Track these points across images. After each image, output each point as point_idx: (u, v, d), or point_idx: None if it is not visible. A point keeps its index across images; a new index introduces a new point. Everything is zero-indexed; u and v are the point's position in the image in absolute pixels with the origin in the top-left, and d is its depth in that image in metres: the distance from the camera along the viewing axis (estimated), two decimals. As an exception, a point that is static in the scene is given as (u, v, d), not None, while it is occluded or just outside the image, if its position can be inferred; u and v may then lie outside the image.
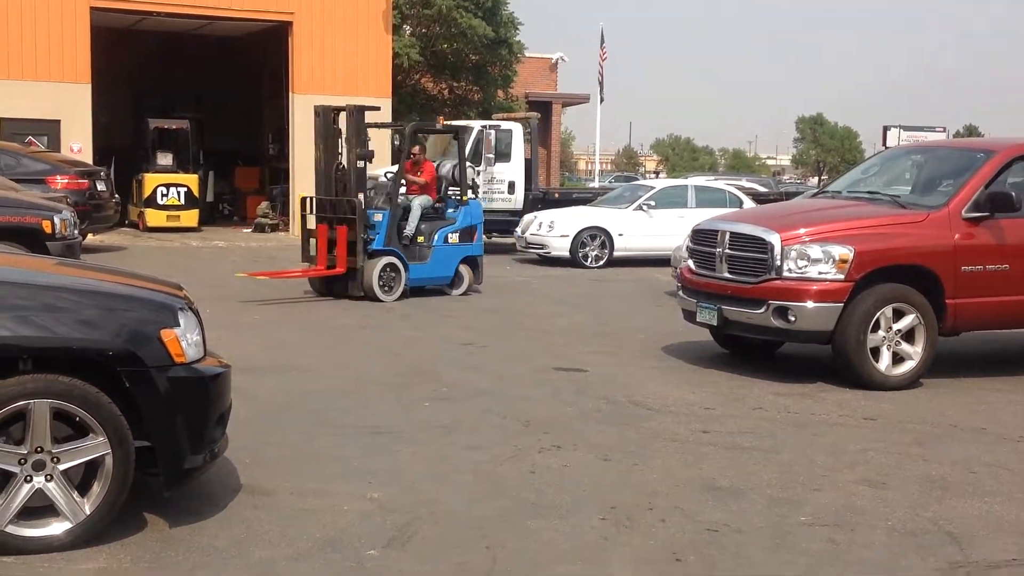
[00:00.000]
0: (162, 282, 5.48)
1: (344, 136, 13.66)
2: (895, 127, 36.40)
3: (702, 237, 9.56)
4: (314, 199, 13.71)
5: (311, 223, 13.80)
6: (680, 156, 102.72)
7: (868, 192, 9.91)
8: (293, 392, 7.99)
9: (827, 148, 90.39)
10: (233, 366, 5.42)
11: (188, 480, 5.03)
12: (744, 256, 8.95)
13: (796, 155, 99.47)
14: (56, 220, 11.81)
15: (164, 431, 4.78)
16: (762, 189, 26.21)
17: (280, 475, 5.86)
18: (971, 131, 79.39)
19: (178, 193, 23.68)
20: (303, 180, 24.27)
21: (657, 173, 76.82)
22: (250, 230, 24.91)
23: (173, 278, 5.82)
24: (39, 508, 4.60)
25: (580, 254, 19.00)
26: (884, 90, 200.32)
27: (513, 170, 21.56)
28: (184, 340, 4.85)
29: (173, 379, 4.77)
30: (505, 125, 22.06)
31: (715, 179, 28.31)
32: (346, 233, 13.09)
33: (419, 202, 14.04)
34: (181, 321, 4.88)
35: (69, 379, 4.57)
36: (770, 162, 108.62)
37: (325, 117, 13.68)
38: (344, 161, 13.71)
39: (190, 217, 23.90)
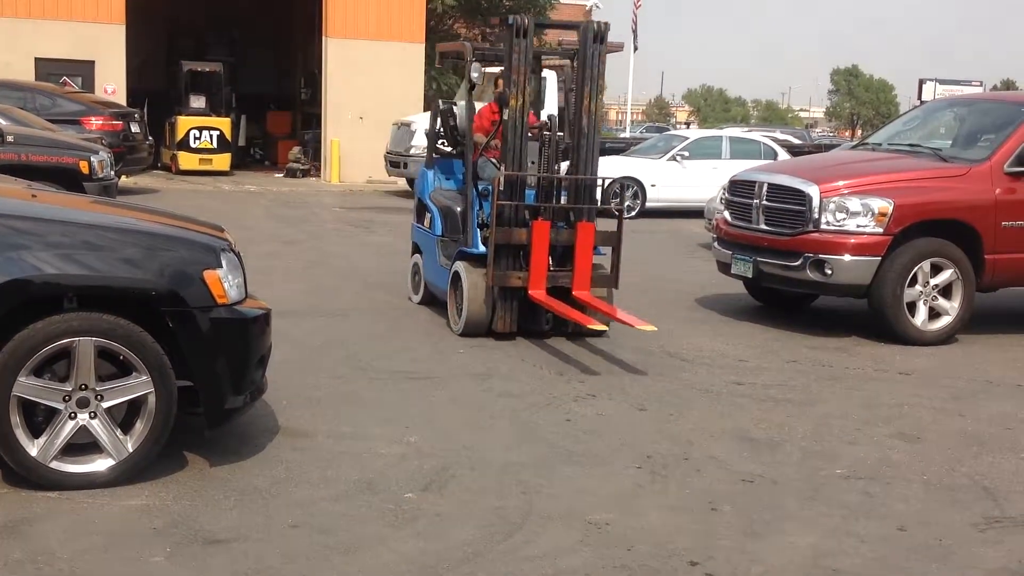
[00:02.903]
0: (204, 223, 5.50)
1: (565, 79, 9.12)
2: (931, 80, 35.96)
3: (739, 188, 9.49)
4: (502, 177, 7.96)
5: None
6: (712, 107, 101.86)
7: (909, 145, 9.79)
8: (329, 336, 8.03)
9: (862, 101, 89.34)
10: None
11: (229, 420, 5.08)
12: (781, 208, 8.88)
13: (830, 108, 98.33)
14: (93, 160, 11.90)
15: (206, 371, 4.83)
16: (796, 141, 25.95)
17: (318, 418, 5.91)
18: (1008, 85, 78.11)
19: (211, 136, 23.70)
20: (335, 125, 24.31)
21: (688, 124, 76.05)
22: (281, 175, 24.94)
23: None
24: (83, 445, 4.67)
25: (612, 204, 18.89)
26: (922, 42, 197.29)
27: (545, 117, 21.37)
28: (226, 281, 4.87)
29: (215, 320, 4.80)
30: (539, 73, 21.85)
31: (748, 130, 28.07)
32: (592, 235, 8.12)
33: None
34: (223, 262, 4.91)
35: (113, 318, 4.61)
36: (803, 114, 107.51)
37: (528, 41, 7.99)
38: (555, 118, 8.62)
39: (222, 161, 23.93)
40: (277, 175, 25.04)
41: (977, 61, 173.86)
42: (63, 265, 4.57)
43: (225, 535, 4.28)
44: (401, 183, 22.21)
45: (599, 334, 8.01)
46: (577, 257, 8.02)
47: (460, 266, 8.22)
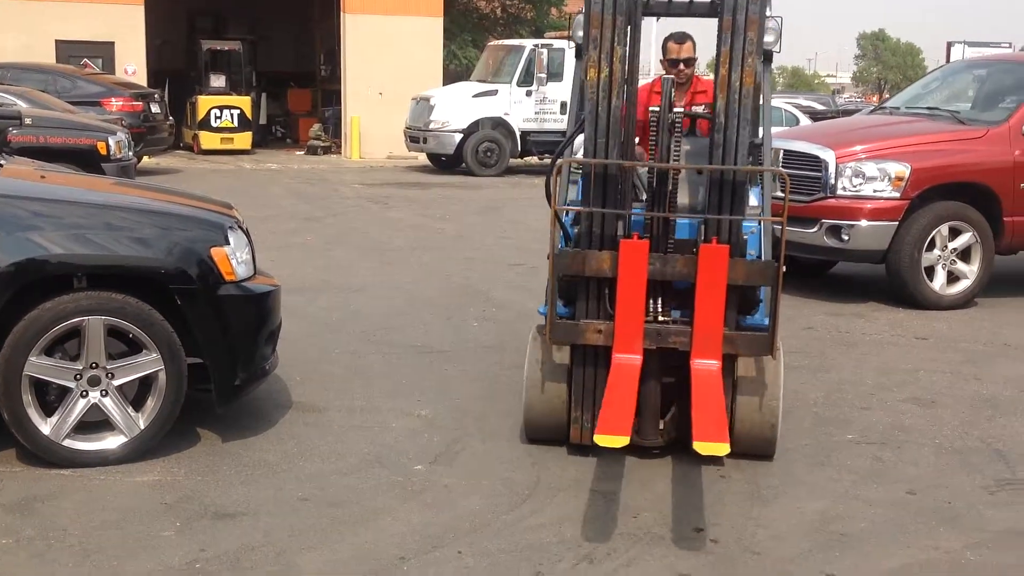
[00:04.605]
0: (212, 201, 5.53)
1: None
2: (959, 43, 35.43)
3: (754, 155, 9.41)
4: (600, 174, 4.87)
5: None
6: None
7: (927, 108, 9.71)
8: (344, 312, 8.06)
9: (889, 65, 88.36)
10: (285, 286, 5.49)
11: (239, 396, 5.11)
12: (798, 174, 8.80)
13: (857, 73, 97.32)
14: (111, 141, 11.95)
15: (215, 348, 4.86)
16: (819, 107, 25.75)
17: (330, 393, 5.94)
18: (1039, 46, 77.03)
19: (231, 115, 23.78)
20: (355, 102, 24.31)
21: (713, 92, 75.39)
22: (303, 152, 25.01)
23: (227, 200, 5.85)
24: (95, 423, 4.71)
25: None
26: (950, 4, 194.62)
27: (565, 90, 21.31)
28: (234, 258, 4.90)
29: (223, 297, 4.84)
30: (558, 44, 21.76)
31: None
32: (725, 263, 4.69)
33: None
34: (231, 239, 4.93)
35: (123, 296, 4.65)
36: (829, 80, 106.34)
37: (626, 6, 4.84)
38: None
39: (243, 139, 24.01)
40: (298, 152, 25.11)
41: (1008, 22, 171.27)
42: (71, 245, 4.61)
43: (235, 509, 4.32)
44: (421, 158, 22.25)
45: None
46: (698, 301, 4.73)
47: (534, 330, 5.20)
